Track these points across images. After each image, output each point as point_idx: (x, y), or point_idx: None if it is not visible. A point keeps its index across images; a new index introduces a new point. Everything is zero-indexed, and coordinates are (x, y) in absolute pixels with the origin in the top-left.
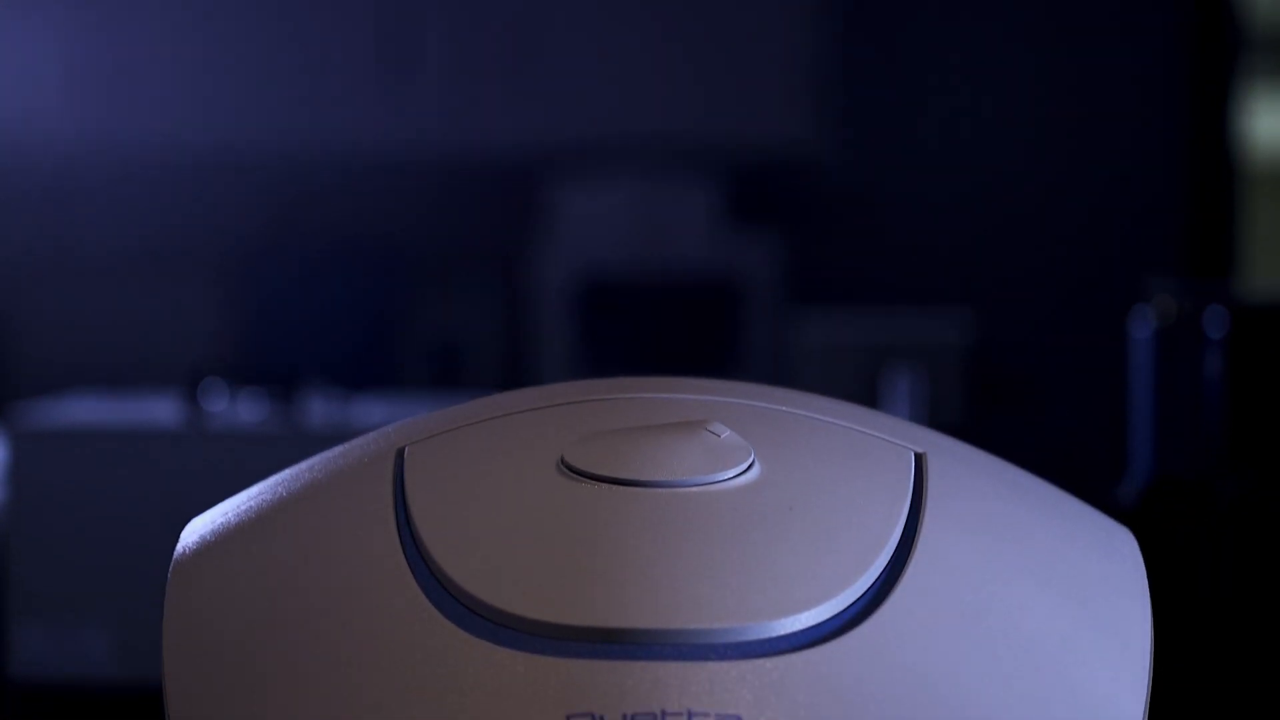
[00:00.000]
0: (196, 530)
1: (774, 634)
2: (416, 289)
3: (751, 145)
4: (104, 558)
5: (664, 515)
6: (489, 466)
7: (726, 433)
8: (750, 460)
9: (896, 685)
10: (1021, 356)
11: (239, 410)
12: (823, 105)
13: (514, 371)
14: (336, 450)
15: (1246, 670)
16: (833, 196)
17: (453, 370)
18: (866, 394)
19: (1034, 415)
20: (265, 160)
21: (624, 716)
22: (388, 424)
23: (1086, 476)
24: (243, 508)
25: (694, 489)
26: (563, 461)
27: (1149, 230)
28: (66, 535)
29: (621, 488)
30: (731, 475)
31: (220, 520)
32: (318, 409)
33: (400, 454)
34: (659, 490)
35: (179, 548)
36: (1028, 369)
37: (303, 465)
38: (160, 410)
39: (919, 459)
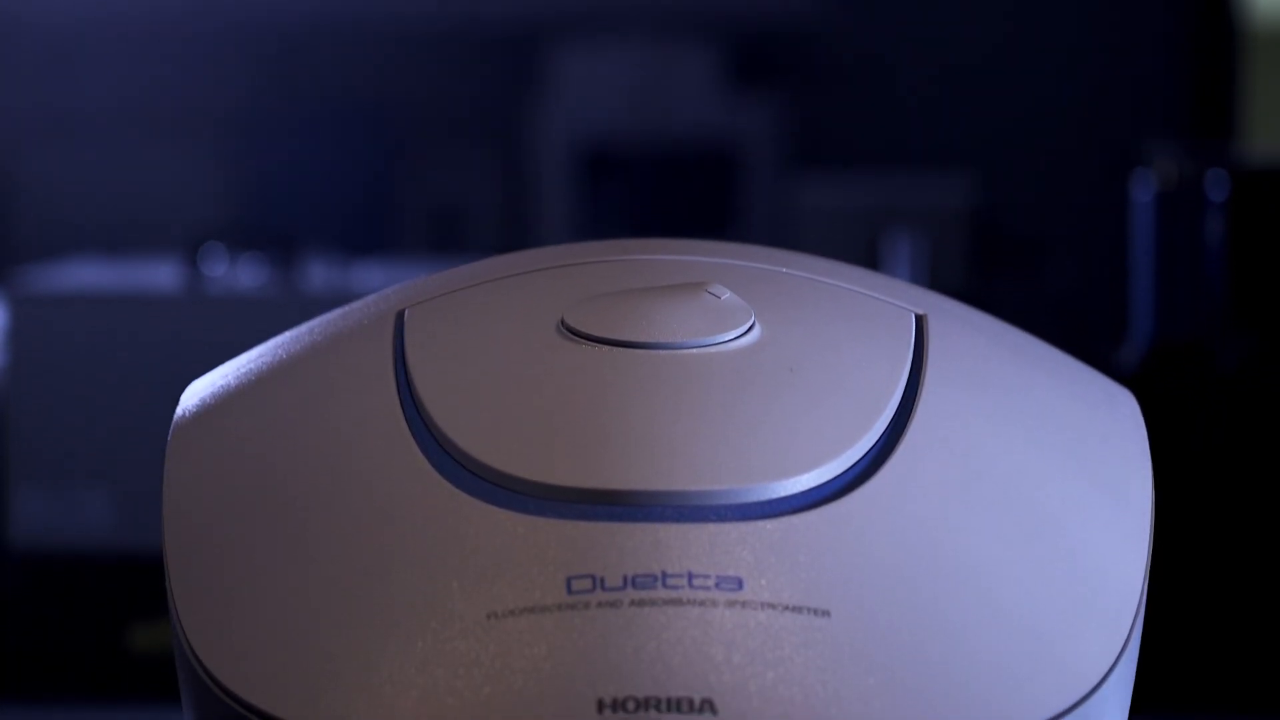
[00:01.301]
0: (196, 393)
1: (775, 495)
2: (416, 153)
3: (753, 9)
4: (104, 423)
5: (664, 377)
6: (489, 329)
7: (727, 294)
8: (751, 322)
9: (897, 546)
10: (1023, 220)
11: (238, 275)
12: None
13: (513, 236)
14: (336, 313)
15: (1246, 534)
16: (835, 60)
17: (452, 234)
18: (867, 257)
19: (1035, 279)
20: (265, 24)
21: (624, 578)
22: (387, 287)
23: (1088, 340)
24: (242, 371)
25: (694, 350)
26: (563, 323)
27: (1151, 93)
28: (66, 400)
29: (622, 349)
30: (732, 337)
31: (220, 383)
32: (317, 273)
33: (400, 316)
34: (659, 352)
35: (179, 411)
36: (1029, 232)
37: (302, 328)
38: (160, 275)
39: (920, 320)
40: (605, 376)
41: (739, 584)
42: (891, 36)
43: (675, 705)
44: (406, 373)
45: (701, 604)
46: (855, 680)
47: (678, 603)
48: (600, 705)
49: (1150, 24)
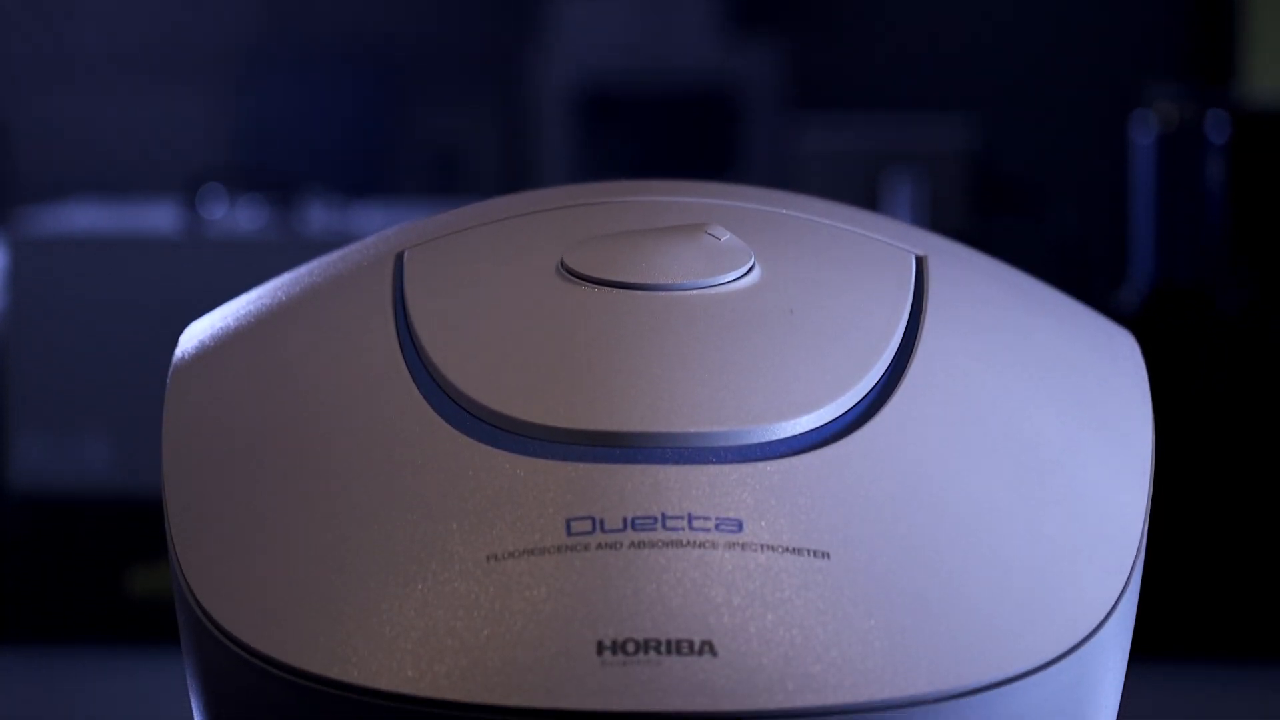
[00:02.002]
0: (195, 335)
1: (775, 437)
2: (415, 94)
3: None
4: (103, 366)
5: (664, 318)
6: (488, 270)
7: (727, 236)
8: (750, 263)
9: (898, 487)
10: (1023, 161)
11: (238, 217)
12: None
13: (513, 178)
14: (335, 255)
15: (1245, 475)
16: (835, 3)
17: (452, 176)
18: (867, 199)
19: (1035, 220)
20: None
21: (624, 520)
22: (387, 229)
23: (1088, 282)
24: (242, 312)
25: (694, 292)
26: (562, 265)
27: (1151, 35)
28: (66, 343)
29: (621, 291)
30: (732, 278)
31: (219, 325)
32: (316, 215)
33: (399, 258)
34: (659, 293)
35: (178, 352)
36: (1029, 174)
37: (302, 270)
38: (160, 217)
39: (920, 262)
40: (605, 318)
41: (739, 526)
42: None
43: (675, 647)
44: (406, 315)
45: (701, 546)
46: (855, 622)
47: (677, 544)
48: (600, 647)
49: None
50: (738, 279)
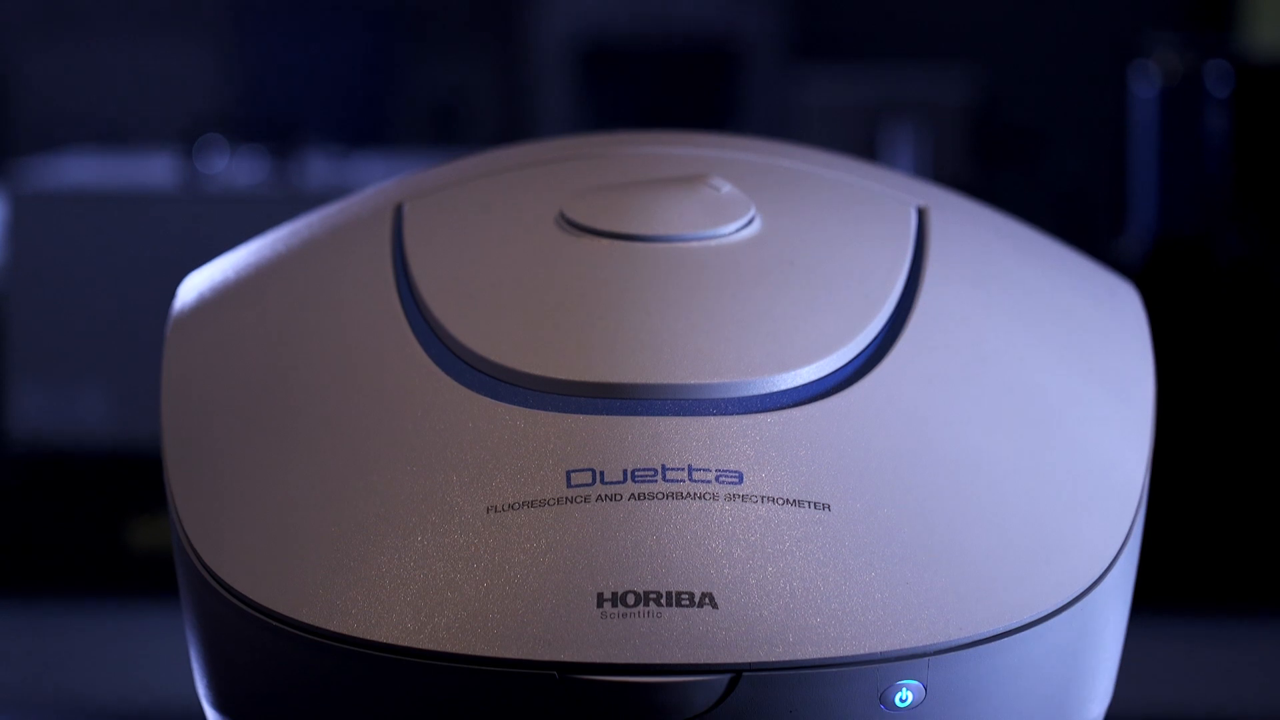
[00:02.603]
0: (194, 286)
1: (775, 389)
2: (416, 45)
3: None
4: (102, 318)
5: (664, 270)
6: (488, 221)
7: (727, 187)
8: (751, 215)
9: (898, 440)
10: (1024, 112)
11: (237, 170)
12: None
13: (513, 129)
14: (335, 206)
15: (1246, 426)
16: None
17: (452, 127)
18: (868, 151)
19: (1036, 171)
20: None
21: (624, 471)
22: (386, 180)
23: (1090, 234)
24: (240, 264)
25: (694, 244)
26: (562, 216)
27: None
28: (65, 297)
29: (621, 242)
30: (732, 230)
31: (218, 277)
32: (316, 166)
33: (399, 210)
34: (659, 245)
35: (176, 304)
36: (1030, 125)
37: (301, 221)
38: (159, 169)
39: (921, 213)
40: (605, 269)
41: (739, 478)
42: None
43: (675, 599)
44: (405, 266)
45: (701, 497)
46: (856, 574)
47: (678, 496)
48: (600, 599)
49: None
50: (738, 230)
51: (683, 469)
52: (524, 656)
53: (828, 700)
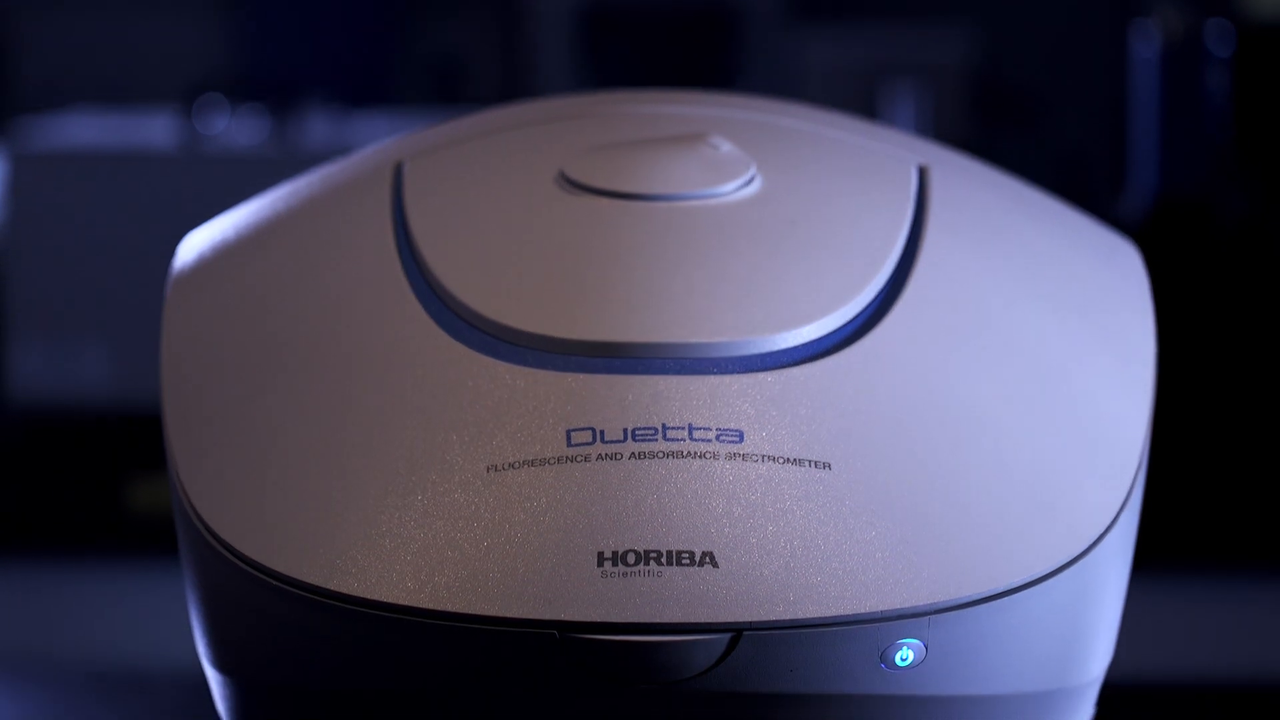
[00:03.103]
0: (194, 245)
1: (776, 348)
2: (417, 3)
3: None
4: (102, 278)
5: (665, 229)
6: (488, 180)
7: (727, 146)
8: (751, 173)
9: (899, 398)
10: (1024, 72)
11: (237, 129)
12: None
13: (513, 88)
14: (335, 165)
15: (1247, 386)
16: None
17: (452, 86)
18: (868, 112)
19: (1037, 131)
20: None
21: (624, 431)
22: (386, 139)
23: (1090, 193)
24: (240, 222)
25: (695, 202)
26: (563, 175)
27: None
28: (65, 256)
29: (621, 201)
30: (733, 189)
31: (218, 235)
32: (316, 125)
33: (399, 168)
34: (659, 204)
35: (176, 262)
36: (1031, 85)
37: (301, 180)
38: (159, 129)
39: (922, 171)
40: (605, 228)
41: (739, 436)
42: None
43: (676, 558)
44: (405, 225)
45: (702, 456)
46: (856, 533)
47: (678, 455)
48: (600, 558)
49: None
50: (739, 189)
51: (683, 428)
52: (524, 616)
53: (828, 659)
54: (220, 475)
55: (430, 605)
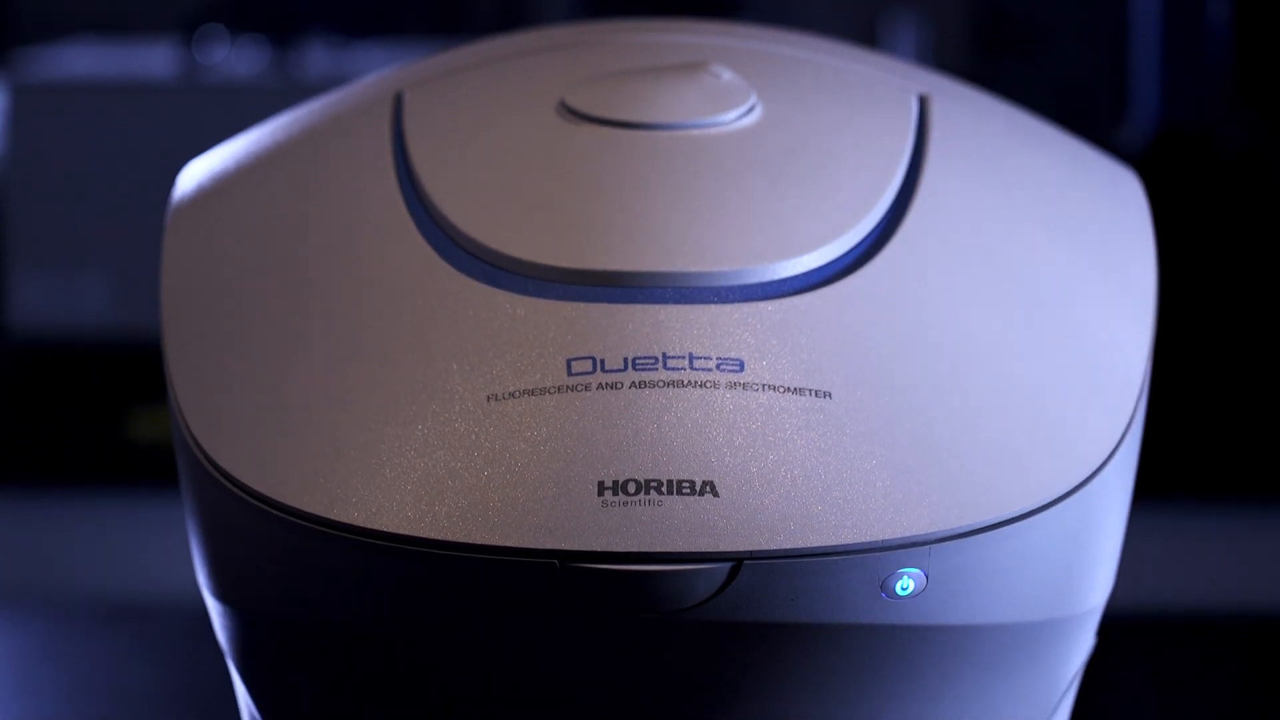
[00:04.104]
0: (194, 175)
1: (776, 277)
2: None
3: None
4: (102, 209)
5: (665, 157)
6: (488, 110)
7: (728, 74)
8: (752, 102)
9: (900, 327)
10: (1025, 1)
11: (237, 60)
12: None
13: (514, 18)
14: (335, 95)
15: (1247, 316)
16: None
17: (452, 16)
18: (869, 42)
19: (1037, 61)
20: None
21: (625, 360)
22: (387, 69)
23: (1091, 123)
24: (240, 152)
25: (695, 131)
26: (563, 104)
27: None
28: (65, 187)
29: (622, 130)
30: (733, 117)
31: (218, 164)
32: (316, 56)
33: (399, 98)
34: (660, 132)
35: (176, 192)
36: (1032, 13)
37: (301, 109)
38: (159, 59)
39: (923, 100)
40: (605, 157)
41: (740, 365)
42: None
43: (676, 487)
44: (406, 155)
45: (702, 386)
46: (857, 462)
47: (679, 384)
48: (601, 487)
49: None
50: (739, 118)
51: (684, 357)
52: (525, 545)
53: (829, 588)
54: (221, 406)
55: (430, 535)
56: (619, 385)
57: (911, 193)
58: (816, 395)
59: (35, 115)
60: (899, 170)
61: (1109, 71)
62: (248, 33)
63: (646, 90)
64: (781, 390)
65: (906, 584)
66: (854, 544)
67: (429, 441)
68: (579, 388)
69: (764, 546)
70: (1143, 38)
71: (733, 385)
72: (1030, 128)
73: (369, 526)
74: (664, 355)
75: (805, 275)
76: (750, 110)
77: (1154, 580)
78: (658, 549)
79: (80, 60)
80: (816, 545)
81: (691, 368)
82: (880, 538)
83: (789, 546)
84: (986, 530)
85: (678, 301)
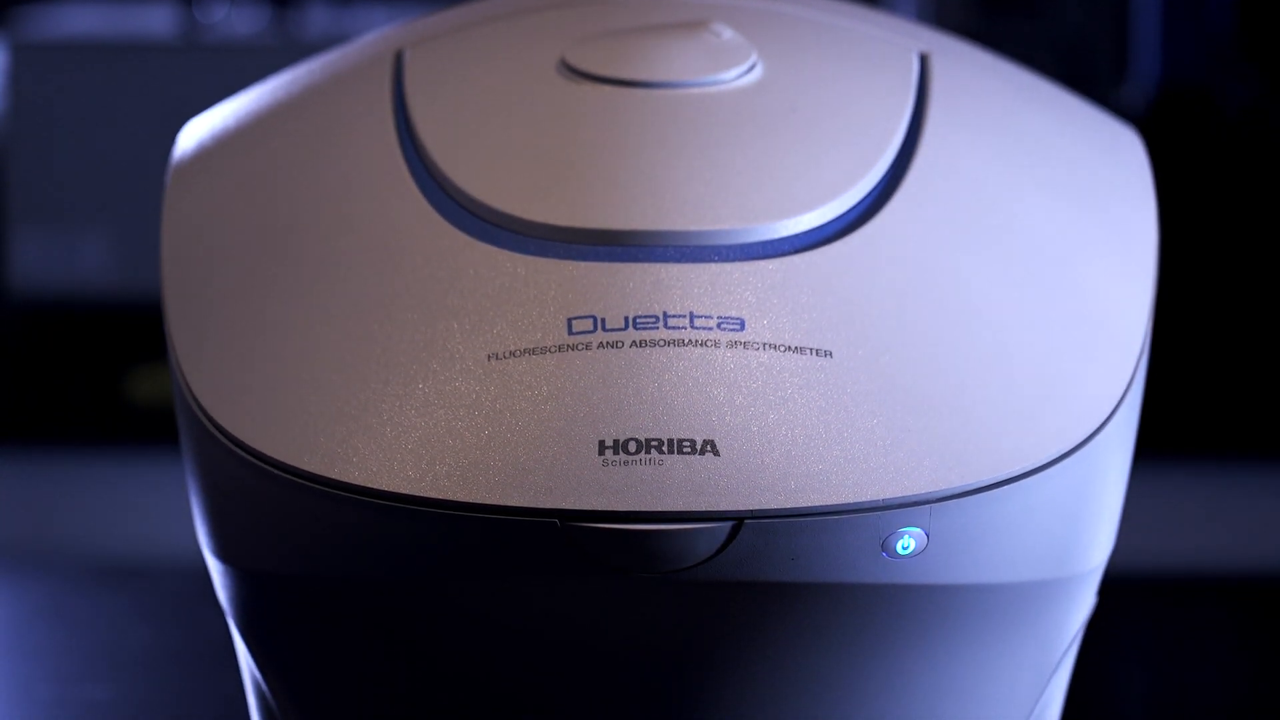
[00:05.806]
0: (194, 133)
1: (777, 235)
2: None
3: None
4: (102, 168)
5: (666, 116)
6: (489, 68)
7: (728, 33)
8: (752, 61)
9: (901, 285)
10: None
11: (237, 18)
12: None
13: None
14: (335, 53)
15: (1247, 274)
16: None
17: None
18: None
19: (1039, 18)
20: None
21: (625, 319)
22: (387, 27)
23: (1092, 82)
24: (240, 111)
25: (696, 90)
26: (564, 62)
27: None
28: (64, 146)
29: (623, 88)
30: (734, 76)
31: (218, 123)
32: (316, 15)
33: (399, 56)
34: (660, 91)
35: (176, 150)
36: None
37: (301, 68)
38: (159, 18)
39: (923, 59)
40: (606, 116)
41: (741, 324)
42: None
43: (677, 446)
44: (406, 113)
45: (703, 344)
46: (858, 421)
47: (679, 343)
48: (602, 446)
49: None
50: (740, 77)
51: (684, 316)
52: (526, 504)
53: (829, 548)
54: (221, 365)
55: (431, 494)
56: (620, 344)
57: (912, 151)
58: (817, 354)
59: (35, 74)
60: (900, 128)
61: (1110, 29)
62: None
63: (647, 48)
64: (782, 349)
65: (907, 543)
66: (855, 503)
67: (429, 400)
68: (580, 347)
69: (765, 506)
70: None
71: (733, 344)
72: (1031, 86)
73: (369, 485)
74: (665, 314)
75: (806, 234)
76: (751, 69)
77: (1155, 540)
78: (659, 508)
79: (80, 19)
80: (817, 504)
81: (692, 326)
82: (881, 497)
83: (790, 506)
84: (987, 489)
85: (678, 260)
